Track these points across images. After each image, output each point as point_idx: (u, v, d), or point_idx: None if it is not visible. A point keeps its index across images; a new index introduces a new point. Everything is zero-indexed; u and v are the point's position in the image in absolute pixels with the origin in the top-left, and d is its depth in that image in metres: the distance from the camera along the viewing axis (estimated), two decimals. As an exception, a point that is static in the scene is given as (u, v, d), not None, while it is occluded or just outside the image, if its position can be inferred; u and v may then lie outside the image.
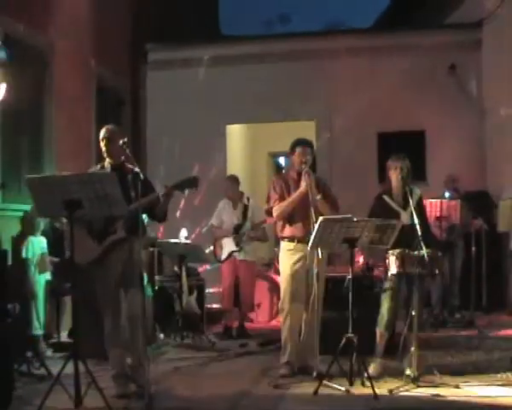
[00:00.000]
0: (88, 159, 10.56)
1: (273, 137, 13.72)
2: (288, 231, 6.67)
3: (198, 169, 11.01)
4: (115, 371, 5.89)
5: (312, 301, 6.42)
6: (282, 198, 6.65)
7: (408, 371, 6.18)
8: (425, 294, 7.68)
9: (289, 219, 6.63)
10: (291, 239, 6.64)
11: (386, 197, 6.76)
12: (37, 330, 7.63)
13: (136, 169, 5.64)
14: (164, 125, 12.42)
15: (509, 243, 10.11)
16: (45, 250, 7.86)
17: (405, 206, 6.60)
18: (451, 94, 11.96)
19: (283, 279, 6.71)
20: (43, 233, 8.11)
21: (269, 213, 6.80)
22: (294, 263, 6.58)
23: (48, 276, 7.91)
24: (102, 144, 5.97)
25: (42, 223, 8.12)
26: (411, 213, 6.35)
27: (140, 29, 12.82)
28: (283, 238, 6.75)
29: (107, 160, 6.01)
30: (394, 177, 6.73)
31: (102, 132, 6.02)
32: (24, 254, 7.70)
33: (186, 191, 5.99)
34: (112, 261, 5.82)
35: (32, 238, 7.81)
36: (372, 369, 6.39)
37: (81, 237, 5.72)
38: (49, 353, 7.71)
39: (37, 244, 7.82)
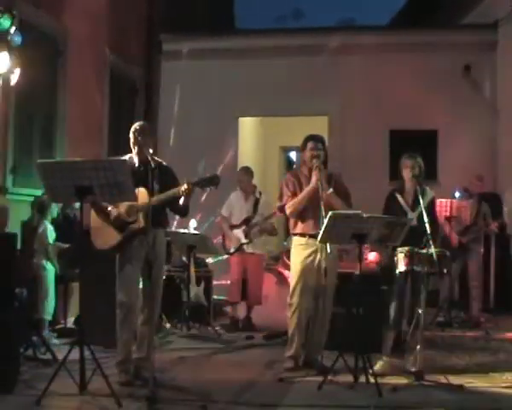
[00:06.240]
0: (100, 145, 10.62)
1: (285, 132, 13.72)
2: (299, 227, 6.61)
3: (209, 160, 11.01)
4: (121, 357, 5.88)
5: (321, 297, 6.43)
6: (294, 195, 6.59)
7: (412, 370, 6.18)
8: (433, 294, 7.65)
9: (301, 215, 6.58)
10: (303, 235, 6.60)
11: (397, 194, 6.78)
12: (43, 314, 7.66)
13: (164, 163, 5.86)
14: (176, 116, 12.43)
15: None
16: (54, 238, 7.90)
17: (414, 206, 6.60)
18: (465, 94, 11.93)
19: (294, 274, 6.66)
20: (54, 220, 8.14)
21: (282, 210, 6.77)
22: (305, 258, 6.53)
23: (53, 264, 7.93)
24: (136, 137, 5.95)
25: (56, 209, 8.16)
26: (419, 215, 6.34)
27: (155, 19, 12.86)
28: (295, 234, 6.72)
29: (136, 151, 6.00)
30: (406, 175, 6.75)
31: (137, 126, 6.01)
32: (47, 240, 7.75)
33: (207, 189, 6.02)
34: (134, 250, 5.84)
35: (47, 224, 7.84)
36: (378, 367, 6.40)
37: (104, 224, 5.84)
38: (55, 340, 7.69)
39: (50, 232, 7.85)
